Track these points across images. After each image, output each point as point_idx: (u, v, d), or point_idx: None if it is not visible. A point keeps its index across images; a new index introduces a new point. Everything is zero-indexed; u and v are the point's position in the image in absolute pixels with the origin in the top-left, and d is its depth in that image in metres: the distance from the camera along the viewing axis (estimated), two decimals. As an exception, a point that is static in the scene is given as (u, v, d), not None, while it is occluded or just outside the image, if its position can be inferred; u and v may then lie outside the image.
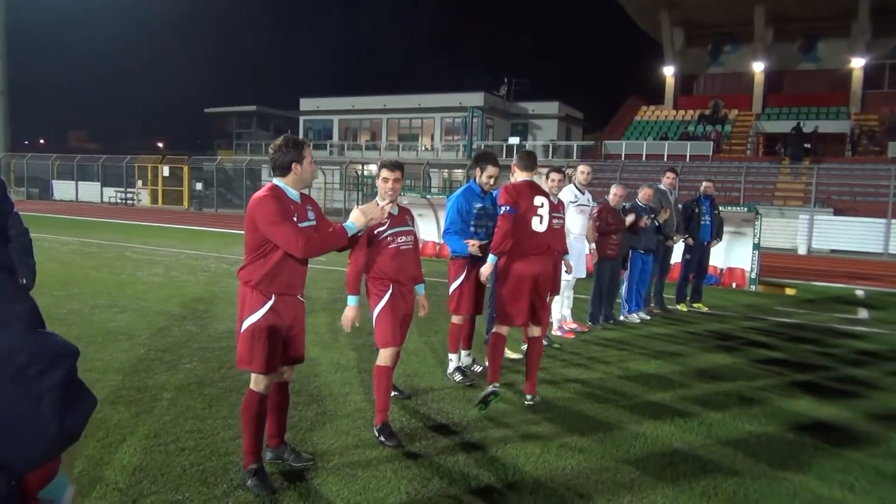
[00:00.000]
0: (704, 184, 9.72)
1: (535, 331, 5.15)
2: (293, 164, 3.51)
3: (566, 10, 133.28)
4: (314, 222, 3.59)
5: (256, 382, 3.52)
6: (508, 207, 4.96)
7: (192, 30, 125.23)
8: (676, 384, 5.73)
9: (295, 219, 3.43)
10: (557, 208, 5.28)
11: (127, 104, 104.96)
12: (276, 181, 3.55)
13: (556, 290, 5.56)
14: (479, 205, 5.59)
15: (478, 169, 5.64)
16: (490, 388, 4.81)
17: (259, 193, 3.46)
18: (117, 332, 6.65)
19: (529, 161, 5.27)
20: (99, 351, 5.89)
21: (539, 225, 5.01)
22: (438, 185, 38.68)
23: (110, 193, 37.74)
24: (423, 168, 31.83)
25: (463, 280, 5.55)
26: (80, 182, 38.64)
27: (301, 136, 44.67)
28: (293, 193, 3.56)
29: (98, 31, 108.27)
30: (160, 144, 59.45)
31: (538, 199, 5.05)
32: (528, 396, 5.09)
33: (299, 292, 3.61)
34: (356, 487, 3.51)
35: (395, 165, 4.28)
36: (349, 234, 3.47)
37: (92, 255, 13.32)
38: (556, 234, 5.21)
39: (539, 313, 5.09)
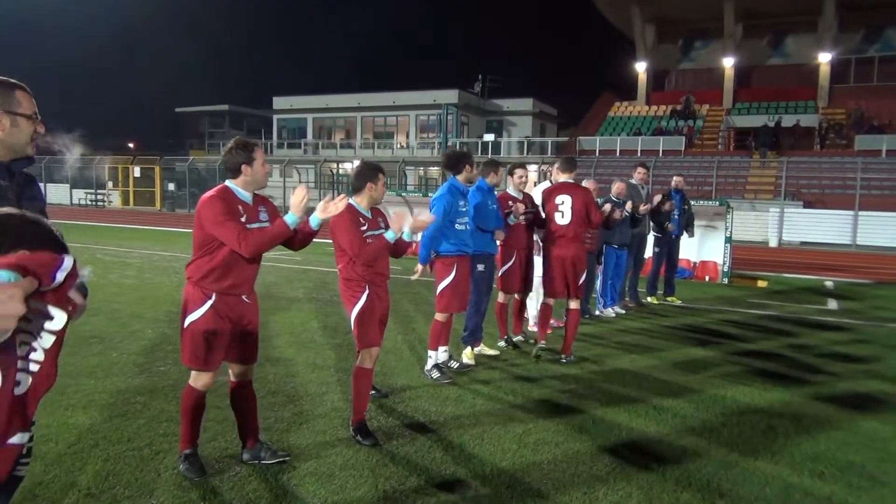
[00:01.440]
0: (675, 178, 9.85)
1: (573, 304, 6.33)
2: (243, 166, 3.53)
3: (539, 7, 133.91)
4: (267, 223, 3.59)
5: (195, 379, 3.57)
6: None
7: (162, 28, 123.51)
8: (651, 377, 5.80)
9: (244, 219, 3.46)
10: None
11: (96, 104, 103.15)
12: (228, 183, 3.58)
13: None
14: (462, 202, 5.69)
15: (467, 167, 5.77)
16: (540, 345, 6.38)
17: (208, 194, 3.50)
18: (89, 335, 6.55)
19: (569, 165, 6.62)
20: (71, 355, 5.80)
21: (561, 219, 6.28)
22: (414, 183, 38.67)
23: (80, 195, 37.12)
24: (398, 166, 31.78)
25: (453, 278, 5.55)
26: (48, 184, 37.89)
27: (275, 135, 44.47)
28: (244, 195, 3.57)
29: (66, 30, 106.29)
30: (131, 145, 58.44)
31: (559, 198, 6.29)
32: (563, 356, 6.22)
33: (245, 293, 3.59)
34: (333, 487, 3.51)
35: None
36: (291, 227, 3.44)
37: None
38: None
39: (572, 288, 6.28)
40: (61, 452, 3.80)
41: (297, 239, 3.67)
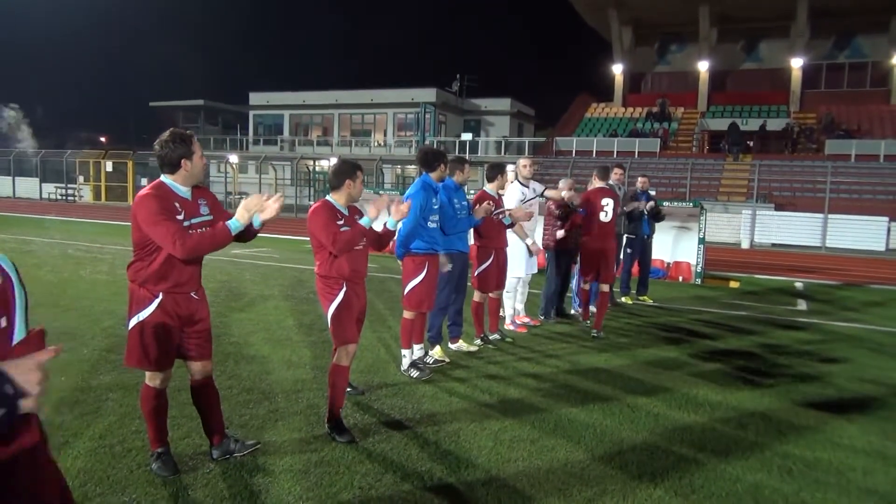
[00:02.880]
0: (640, 179, 9.91)
1: (604, 287, 7.52)
2: (182, 161, 3.38)
3: (517, 7, 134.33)
4: (209, 217, 3.51)
5: (151, 378, 3.49)
6: (582, 210, 7.60)
7: (136, 20, 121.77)
8: (625, 376, 5.86)
9: (181, 217, 3.34)
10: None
11: (67, 97, 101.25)
12: (164, 178, 3.43)
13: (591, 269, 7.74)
14: (434, 199, 5.70)
15: (442, 166, 5.80)
16: (584, 323, 7.79)
17: (142, 192, 3.35)
18: (60, 332, 6.44)
19: (606, 173, 7.86)
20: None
21: (605, 217, 7.44)
22: (391, 181, 38.59)
23: (50, 189, 36.41)
24: (375, 164, 31.68)
25: (423, 277, 5.56)
26: (17, 178, 37.17)
27: (251, 131, 44.04)
28: (182, 190, 3.44)
29: (35, 20, 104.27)
30: (103, 139, 57.52)
31: (604, 200, 7.45)
32: (595, 331, 7.36)
33: (192, 290, 3.52)
34: (308, 484, 3.50)
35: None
36: (232, 233, 3.33)
37: (32, 253, 12.86)
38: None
39: (604, 274, 7.51)
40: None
41: (245, 236, 3.56)
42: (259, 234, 3.66)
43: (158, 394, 3.52)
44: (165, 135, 3.41)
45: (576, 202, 7.55)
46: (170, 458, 3.58)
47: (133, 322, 3.39)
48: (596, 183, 7.71)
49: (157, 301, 3.37)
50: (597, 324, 7.44)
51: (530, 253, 7.45)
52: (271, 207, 3.41)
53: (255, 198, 3.37)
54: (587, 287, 7.93)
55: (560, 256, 8.12)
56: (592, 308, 8.82)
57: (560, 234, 7.88)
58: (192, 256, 3.33)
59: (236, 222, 3.34)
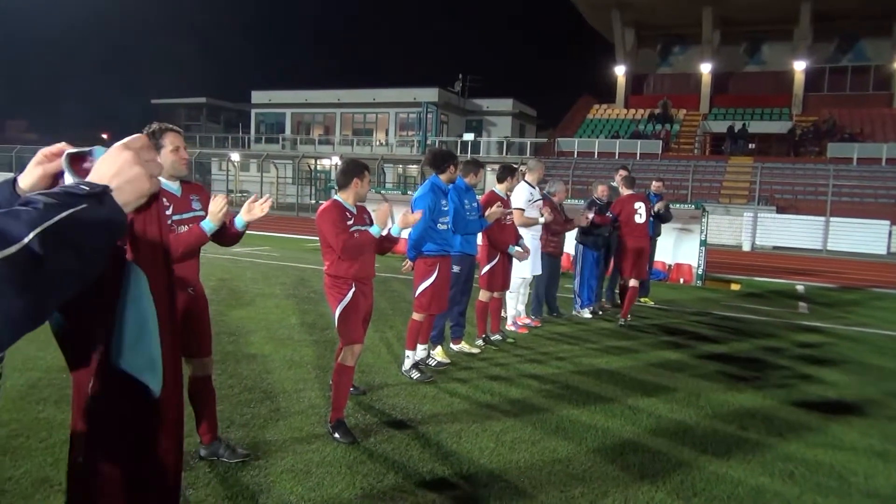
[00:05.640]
0: (654, 183, 9.95)
1: (635, 282, 8.38)
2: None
3: (521, 8, 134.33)
4: (201, 213, 3.49)
5: None
6: (613, 214, 8.40)
7: (139, 18, 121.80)
8: (626, 378, 5.86)
9: (168, 211, 3.33)
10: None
11: (70, 94, 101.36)
12: None
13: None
14: (444, 201, 5.69)
15: (451, 167, 5.76)
16: (623, 321, 8.16)
17: None
18: (61, 329, 6.44)
19: (632, 182, 8.65)
20: (41, 349, 5.69)
21: (640, 219, 8.31)
22: (393, 181, 38.59)
23: (52, 186, 36.35)
24: (377, 163, 31.69)
25: (434, 279, 5.55)
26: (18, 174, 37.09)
27: (253, 129, 44.04)
28: (168, 185, 3.44)
29: (39, 17, 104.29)
30: (105, 136, 57.53)
31: (636, 204, 8.34)
32: (622, 320, 8.13)
33: (189, 286, 3.52)
34: (310, 484, 3.50)
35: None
36: (208, 234, 3.34)
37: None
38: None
39: (636, 270, 8.33)
40: (32, 448, 3.74)
41: (226, 237, 3.57)
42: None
43: None
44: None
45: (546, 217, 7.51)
46: None
47: None
48: (625, 191, 8.55)
49: None
50: (624, 313, 8.20)
51: (517, 258, 7.11)
52: (254, 210, 3.47)
53: (220, 199, 3.33)
54: (624, 283, 8.56)
55: (549, 260, 8.11)
56: (590, 311, 8.87)
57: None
58: (173, 256, 3.31)
59: (209, 224, 3.34)
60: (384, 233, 4.39)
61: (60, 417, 4.21)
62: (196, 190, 3.61)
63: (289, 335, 6.77)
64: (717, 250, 19.37)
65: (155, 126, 3.39)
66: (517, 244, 6.81)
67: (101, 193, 1.06)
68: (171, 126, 3.46)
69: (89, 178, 1.11)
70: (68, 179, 1.20)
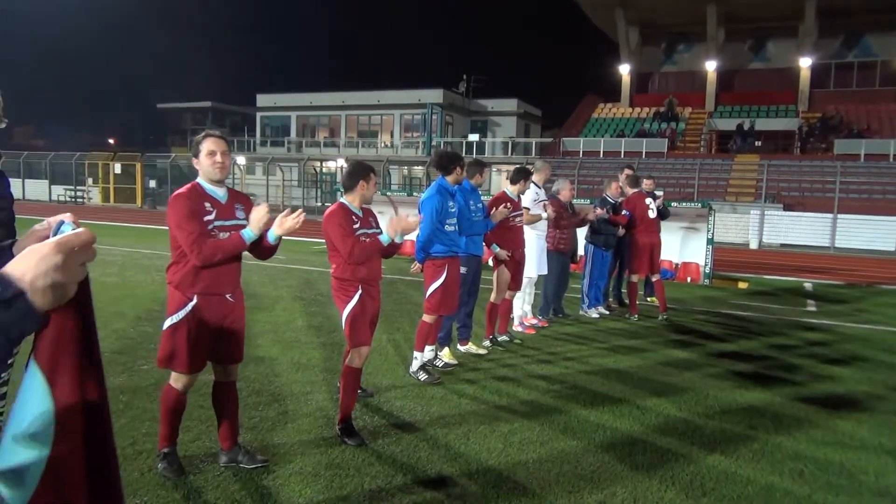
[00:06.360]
0: (646, 181, 9.82)
1: (655, 277, 8.78)
2: (193, 160, 3.45)
3: (524, 8, 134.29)
4: (244, 221, 3.49)
5: (176, 380, 3.50)
6: (626, 212, 8.59)
7: (145, 23, 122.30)
8: (634, 377, 5.85)
9: (211, 216, 3.36)
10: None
11: (77, 99, 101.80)
12: (198, 178, 3.49)
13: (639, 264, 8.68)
14: (451, 203, 5.69)
15: (458, 169, 5.75)
16: (634, 317, 8.49)
17: (176, 191, 3.39)
18: (69, 334, 6.46)
19: (636, 181, 8.88)
20: None
21: (652, 214, 8.59)
22: (398, 183, 38.61)
23: (59, 191, 36.61)
24: (382, 165, 31.71)
25: (444, 280, 5.55)
26: (26, 180, 37.37)
27: (258, 132, 44.18)
28: (213, 190, 3.46)
29: (45, 23, 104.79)
30: (111, 141, 57.83)
31: (647, 200, 8.62)
32: (661, 315, 8.51)
33: (228, 292, 3.51)
34: (318, 486, 3.50)
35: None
36: (247, 242, 3.37)
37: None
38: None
39: (655, 265, 8.64)
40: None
41: (259, 250, 3.57)
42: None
43: (180, 395, 3.53)
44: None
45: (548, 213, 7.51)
46: (175, 458, 3.58)
47: (167, 324, 3.42)
48: (629, 190, 8.81)
49: (190, 304, 3.39)
50: (662, 307, 8.60)
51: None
52: (287, 224, 3.46)
53: (262, 208, 3.38)
54: (635, 280, 8.67)
55: (558, 259, 8.10)
56: (598, 311, 8.85)
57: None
58: (208, 262, 3.33)
59: (250, 232, 3.38)
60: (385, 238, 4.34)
61: None
62: (242, 199, 3.62)
63: (296, 338, 6.79)
64: (724, 248, 19.30)
65: (202, 132, 3.48)
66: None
67: (11, 299, 1.00)
68: (212, 132, 3.51)
69: (10, 271, 1.02)
70: None
